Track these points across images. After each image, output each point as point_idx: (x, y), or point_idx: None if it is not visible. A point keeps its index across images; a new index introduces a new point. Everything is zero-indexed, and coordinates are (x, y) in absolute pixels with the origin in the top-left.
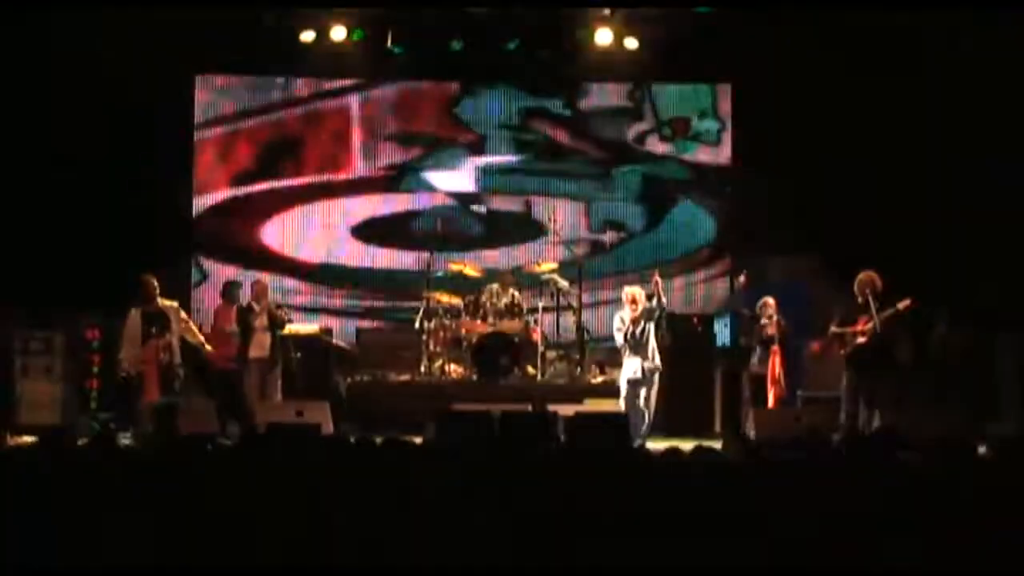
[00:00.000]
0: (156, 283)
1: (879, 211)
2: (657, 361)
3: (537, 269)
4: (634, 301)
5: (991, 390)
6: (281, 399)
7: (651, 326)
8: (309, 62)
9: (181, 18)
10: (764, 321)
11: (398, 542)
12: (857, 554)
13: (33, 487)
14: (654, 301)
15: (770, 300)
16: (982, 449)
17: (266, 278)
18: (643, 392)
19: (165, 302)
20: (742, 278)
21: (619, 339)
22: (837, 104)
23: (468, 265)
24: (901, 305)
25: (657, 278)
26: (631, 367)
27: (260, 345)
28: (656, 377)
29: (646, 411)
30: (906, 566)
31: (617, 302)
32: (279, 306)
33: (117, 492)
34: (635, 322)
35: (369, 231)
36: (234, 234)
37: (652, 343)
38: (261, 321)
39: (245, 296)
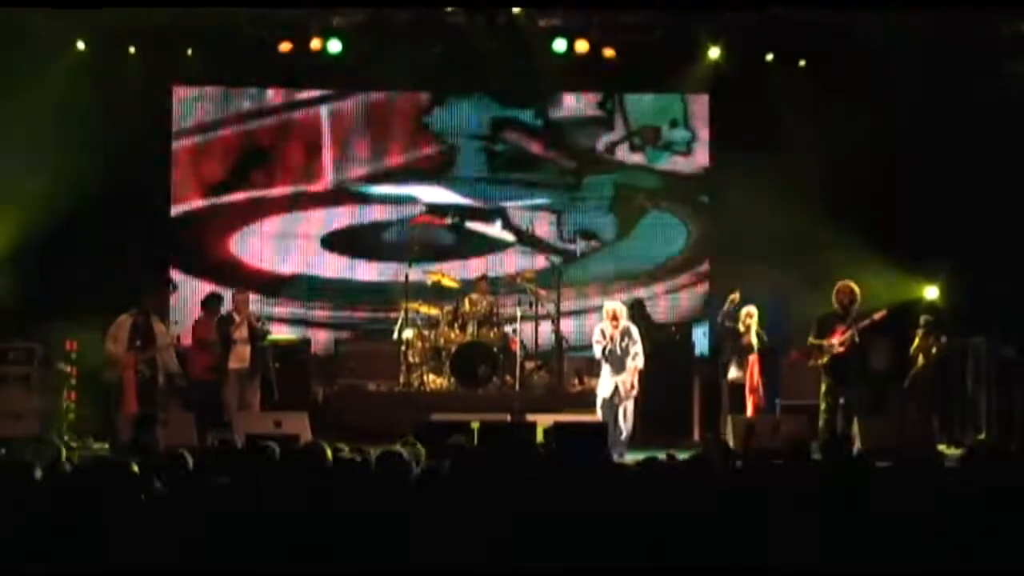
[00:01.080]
0: (152, 300)
1: (854, 221)
2: (634, 382)
3: (514, 277)
4: (615, 317)
5: (968, 398)
6: (259, 409)
7: (632, 345)
8: (283, 72)
9: (159, 27)
10: (743, 330)
11: (379, 552)
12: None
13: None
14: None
15: (751, 309)
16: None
17: (245, 290)
18: (619, 409)
19: (160, 324)
20: (735, 295)
21: (597, 352)
22: (810, 116)
23: (447, 277)
24: (877, 316)
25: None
26: (608, 385)
27: (240, 356)
28: (632, 397)
29: (624, 427)
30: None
31: (589, 311)
32: (259, 318)
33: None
34: (614, 339)
35: (341, 242)
36: (207, 244)
37: (631, 363)
38: (241, 332)
39: (226, 308)
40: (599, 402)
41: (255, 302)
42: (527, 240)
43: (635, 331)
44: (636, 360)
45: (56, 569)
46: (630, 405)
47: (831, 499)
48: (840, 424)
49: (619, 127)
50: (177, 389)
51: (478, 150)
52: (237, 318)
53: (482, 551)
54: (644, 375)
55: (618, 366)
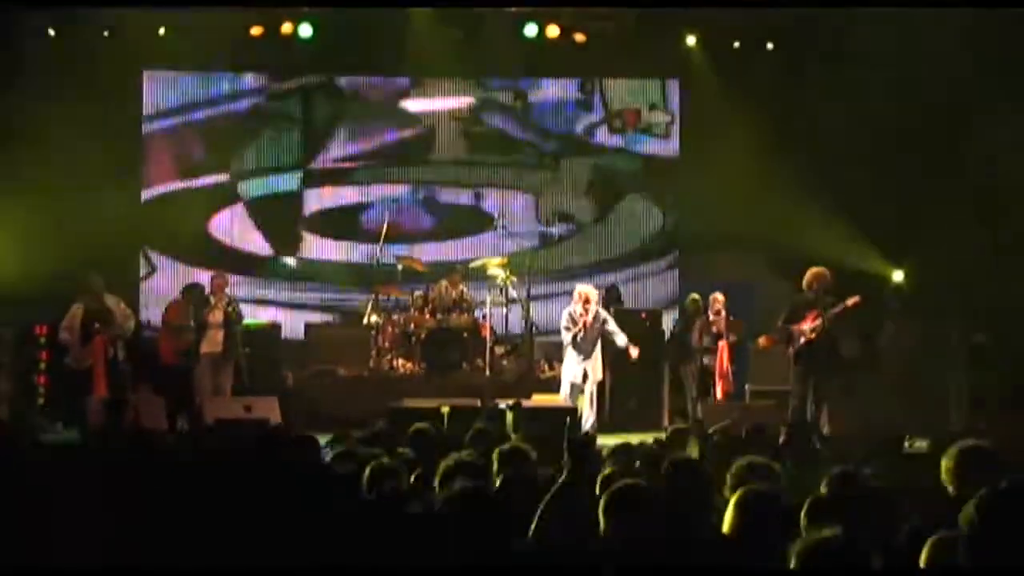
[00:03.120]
0: (101, 280)
1: (826, 208)
2: (599, 371)
3: (487, 264)
4: (587, 301)
5: (941, 386)
6: (228, 392)
7: (609, 326)
8: (258, 57)
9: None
10: (712, 316)
11: (351, 543)
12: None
13: None
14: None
15: (719, 296)
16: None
17: (204, 274)
18: (585, 394)
19: (109, 297)
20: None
21: (566, 338)
22: (782, 101)
23: (415, 262)
24: (850, 302)
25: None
26: (574, 371)
27: (213, 340)
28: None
29: (591, 412)
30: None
31: (561, 296)
32: (230, 301)
33: (67, 490)
34: (587, 324)
35: (318, 224)
36: (183, 226)
37: (598, 351)
38: (215, 316)
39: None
40: (566, 388)
41: (234, 284)
42: (502, 224)
43: (605, 314)
44: (619, 339)
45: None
46: (595, 391)
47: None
48: (810, 411)
49: (598, 109)
50: (150, 370)
51: (456, 132)
52: (212, 300)
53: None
54: (615, 362)
55: (588, 351)
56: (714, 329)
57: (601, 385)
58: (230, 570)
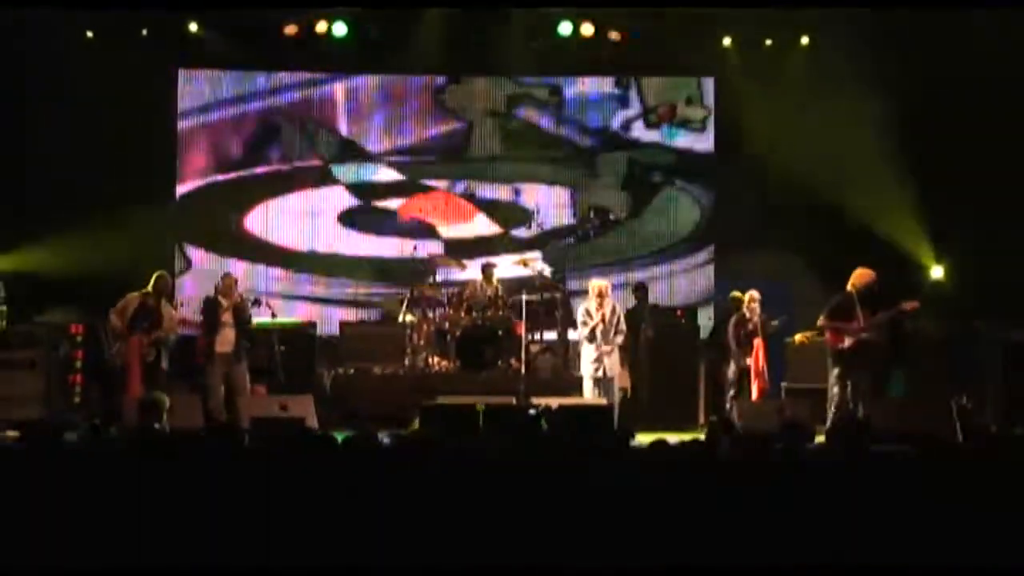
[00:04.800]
0: (169, 282)
1: (864, 202)
2: (617, 368)
3: (522, 261)
4: (600, 295)
5: (975, 381)
6: (264, 391)
7: (619, 323)
8: (293, 56)
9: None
10: (747, 314)
11: (387, 539)
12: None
13: (19, 482)
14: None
15: (755, 293)
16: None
17: (240, 269)
18: (610, 388)
19: (170, 309)
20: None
21: (582, 332)
22: (816, 101)
23: (452, 260)
24: (908, 306)
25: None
26: (592, 367)
27: (226, 340)
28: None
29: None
30: (889, 559)
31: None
32: (245, 299)
33: (106, 488)
34: (605, 318)
35: (355, 219)
36: (219, 221)
37: (618, 340)
38: (228, 315)
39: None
40: (589, 384)
41: (274, 279)
42: (537, 222)
43: (619, 309)
44: (619, 338)
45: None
46: (616, 390)
47: (836, 485)
48: (852, 409)
49: (635, 104)
50: (186, 370)
51: (493, 128)
52: (224, 302)
53: (494, 539)
54: (650, 359)
55: (604, 347)
56: (749, 327)
57: (634, 386)
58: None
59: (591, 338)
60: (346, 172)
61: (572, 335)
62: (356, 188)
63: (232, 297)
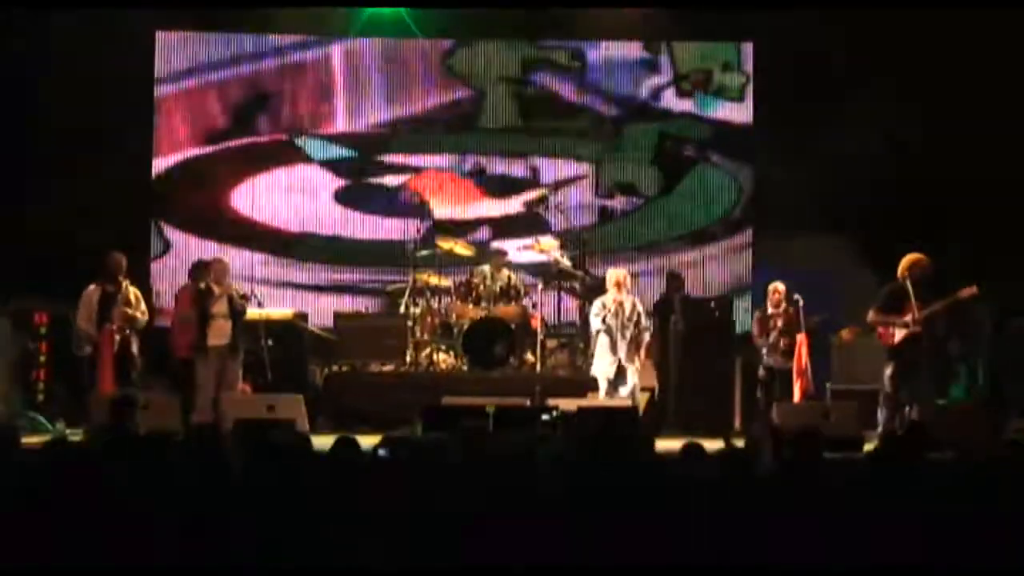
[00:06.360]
0: (124, 262)
1: (923, 183)
2: (637, 367)
3: (537, 246)
4: (618, 284)
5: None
6: (249, 391)
7: (643, 319)
8: (284, 18)
9: None
10: (771, 309)
11: (385, 548)
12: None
13: None
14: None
15: (779, 286)
16: None
17: (229, 254)
18: (624, 394)
19: (131, 287)
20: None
21: (596, 324)
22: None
23: (460, 243)
24: (964, 293)
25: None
26: (606, 368)
27: (219, 332)
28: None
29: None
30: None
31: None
32: (242, 295)
33: (70, 495)
34: (622, 309)
35: (352, 197)
36: (201, 199)
37: (646, 338)
38: (220, 305)
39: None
40: (604, 384)
41: (261, 264)
42: (556, 204)
43: (640, 305)
44: (646, 335)
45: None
46: (638, 393)
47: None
48: (906, 414)
49: (665, 70)
50: (163, 365)
51: (507, 96)
52: (216, 290)
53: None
54: (680, 355)
55: (622, 344)
56: (772, 323)
57: (663, 386)
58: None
59: (608, 334)
60: (340, 146)
61: (594, 324)
62: (350, 164)
63: (225, 285)
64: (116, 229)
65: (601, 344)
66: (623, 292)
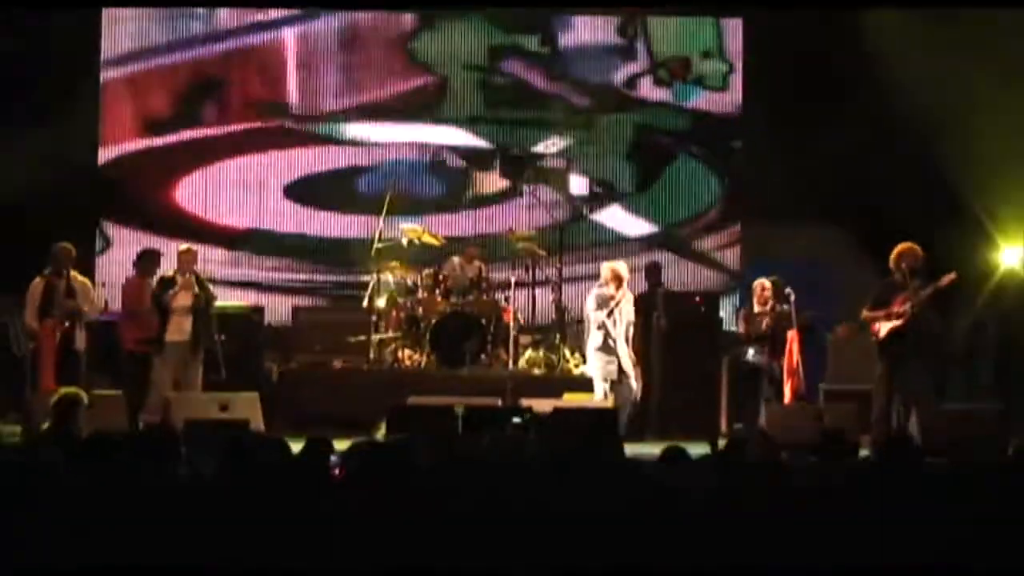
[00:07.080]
0: (73, 254)
1: (920, 171)
2: (632, 367)
3: (510, 237)
4: (618, 278)
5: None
6: (200, 390)
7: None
8: None
9: None
10: (758, 309)
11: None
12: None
13: None
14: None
15: (765, 282)
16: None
17: (170, 249)
18: (631, 388)
19: (79, 278)
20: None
21: (599, 317)
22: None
23: (426, 232)
24: (944, 280)
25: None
26: (606, 367)
27: (179, 327)
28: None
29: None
30: None
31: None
32: (200, 281)
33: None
34: (620, 307)
35: (307, 190)
36: (145, 193)
37: (630, 333)
38: (182, 297)
39: (166, 268)
40: (606, 385)
41: (207, 262)
42: (531, 191)
43: (630, 298)
44: (629, 329)
45: None
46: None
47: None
48: (899, 413)
49: (642, 57)
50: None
51: (473, 84)
52: (180, 279)
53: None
54: (662, 353)
55: (621, 342)
56: (758, 321)
57: (646, 386)
58: None
59: (605, 332)
60: (293, 136)
61: (594, 320)
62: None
63: (189, 275)
64: (58, 225)
65: (599, 341)
66: (624, 287)
